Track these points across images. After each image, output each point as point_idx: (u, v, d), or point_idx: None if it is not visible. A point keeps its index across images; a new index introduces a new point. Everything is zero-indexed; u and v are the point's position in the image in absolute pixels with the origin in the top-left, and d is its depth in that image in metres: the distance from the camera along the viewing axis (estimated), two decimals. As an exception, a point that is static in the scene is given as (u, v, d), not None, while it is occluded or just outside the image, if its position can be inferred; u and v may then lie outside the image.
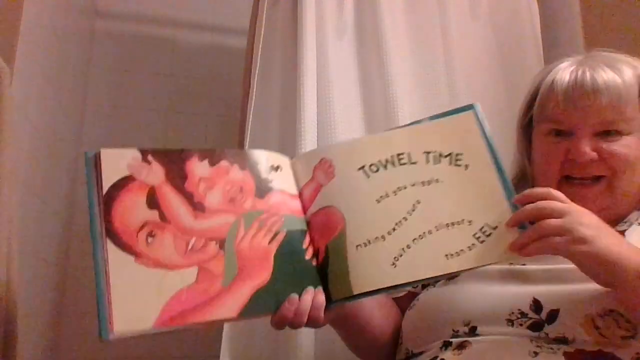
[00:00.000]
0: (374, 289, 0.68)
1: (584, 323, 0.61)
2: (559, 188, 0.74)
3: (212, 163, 0.73)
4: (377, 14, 1.25)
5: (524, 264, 0.74)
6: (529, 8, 1.40)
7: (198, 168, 0.72)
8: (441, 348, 0.70)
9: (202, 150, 0.73)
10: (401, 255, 0.68)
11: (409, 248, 0.68)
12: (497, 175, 0.70)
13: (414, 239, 0.69)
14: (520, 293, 0.68)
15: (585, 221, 0.61)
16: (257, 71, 1.21)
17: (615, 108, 0.75)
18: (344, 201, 0.74)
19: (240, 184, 0.73)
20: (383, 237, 0.70)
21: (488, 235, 0.66)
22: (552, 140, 0.80)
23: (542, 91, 0.83)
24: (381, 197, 0.72)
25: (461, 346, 0.67)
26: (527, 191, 0.66)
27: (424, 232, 0.69)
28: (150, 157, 0.69)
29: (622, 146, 0.75)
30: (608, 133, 0.76)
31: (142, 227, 0.65)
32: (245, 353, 1.05)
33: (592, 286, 0.63)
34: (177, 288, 0.64)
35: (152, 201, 0.67)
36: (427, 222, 0.69)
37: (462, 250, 0.66)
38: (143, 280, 0.63)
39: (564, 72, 0.80)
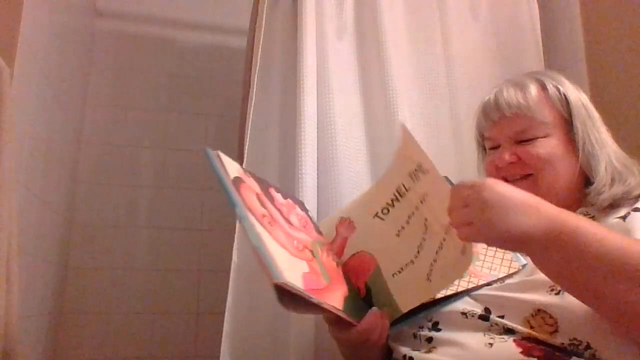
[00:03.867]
0: (419, 304, 0.77)
1: (522, 324, 0.72)
2: None
3: (284, 197, 0.86)
4: (377, 14, 1.25)
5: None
6: (529, 8, 1.40)
7: (277, 196, 0.84)
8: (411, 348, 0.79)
9: (276, 187, 0.86)
10: (431, 270, 0.77)
11: (435, 261, 0.76)
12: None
13: (436, 251, 0.77)
14: (475, 303, 0.80)
15: (487, 201, 0.63)
16: (257, 71, 1.21)
17: (521, 117, 0.89)
18: (369, 244, 0.87)
19: (305, 219, 0.88)
20: (412, 261, 0.80)
21: None
22: (490, 153, 0.95)
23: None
24: (399, 230, 0.85)
25: (428, 346, 0.76)
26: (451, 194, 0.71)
27: (440, 241, 0.75)
28: (247, 173, 0.80)
29: (536, 147, 0.88)
30: (525, 140, 0.89)
31: (263, 215, 0.73)
32: (245, 353, 1.05)
33: (527, 295, 0.74)
34: (300, 271, 0.70)
35: (261, 202, 0.76)
36: (437, 233, 0.76)
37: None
38: (280, 251, 0.68)
39: (487, 96, 0.96)
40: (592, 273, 0.61)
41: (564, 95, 0.91)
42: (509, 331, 0.73)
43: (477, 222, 0.64)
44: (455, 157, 1.25)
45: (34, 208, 1.27)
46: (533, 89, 0.91)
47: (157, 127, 1.90)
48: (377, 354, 0.85)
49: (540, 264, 0.67)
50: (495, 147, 0.94)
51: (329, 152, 1.14)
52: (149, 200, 1.85)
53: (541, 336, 0.69)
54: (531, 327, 0.71)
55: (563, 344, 0.68)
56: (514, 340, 0.70)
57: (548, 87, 0.91)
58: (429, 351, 0.75)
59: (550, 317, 0.71)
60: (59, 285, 1.63)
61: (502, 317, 0.74)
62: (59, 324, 1.64)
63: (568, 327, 0.69)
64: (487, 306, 0.77)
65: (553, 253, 0.63)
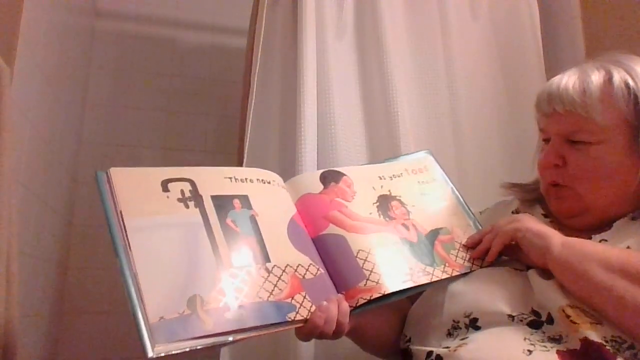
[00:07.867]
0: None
1: (559, 316, 0.66)
2: (547, 191, 0.84)
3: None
4: (377, 14, 1.25)
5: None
6: (529, 8, 1.40)
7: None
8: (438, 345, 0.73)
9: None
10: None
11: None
12: None
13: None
14: (522, 299, 0.72)
15: (521, 216, 0.79)
16: (257, 71, 1.21)
17: (575, 116, 0.77)
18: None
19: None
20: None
21: None
22: (542, 147, 0.85)
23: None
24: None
25: (458, 345, 0.69)
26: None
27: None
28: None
29: (583, 156, 0.77)
30: (575, 142, 0.78)
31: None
32: (245, 353, 1.05)
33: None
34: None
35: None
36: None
37: None
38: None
39: (545, 84, 0.85)
40: (598, 273, 0.66)
41: (634, 93, 0.75)
42: (554, 340, 0.65)
43: (513, 221, 0.78)
44: (455, 157, 1.25)
45: (34, 208, 1.27)
46: (596, 83, 0.76)
47: (157, 127, 1.90)
48: (361, 334, 0.81)
49: (558, 267, 0.69)
50: (547, 140, 0.83)
51: (329, 152, 1.14)
52: (149, 200, 1.85)
53: (579, 326, 0.63)
54: (567, 316, 0.65)
55: (605, 337, 0.62)
56: (557, 352, 0.63)
57: (614, 81, 0.76)
58: (459, 350, 0.67)
59: (594, 310, 0.65)
60: (59, 285, 1.63)
61: (550, 315, 0.68)
62: (59, 324, 1.64)
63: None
64: (535, 308, 0.70)
65: (566, 253, 0.69)
